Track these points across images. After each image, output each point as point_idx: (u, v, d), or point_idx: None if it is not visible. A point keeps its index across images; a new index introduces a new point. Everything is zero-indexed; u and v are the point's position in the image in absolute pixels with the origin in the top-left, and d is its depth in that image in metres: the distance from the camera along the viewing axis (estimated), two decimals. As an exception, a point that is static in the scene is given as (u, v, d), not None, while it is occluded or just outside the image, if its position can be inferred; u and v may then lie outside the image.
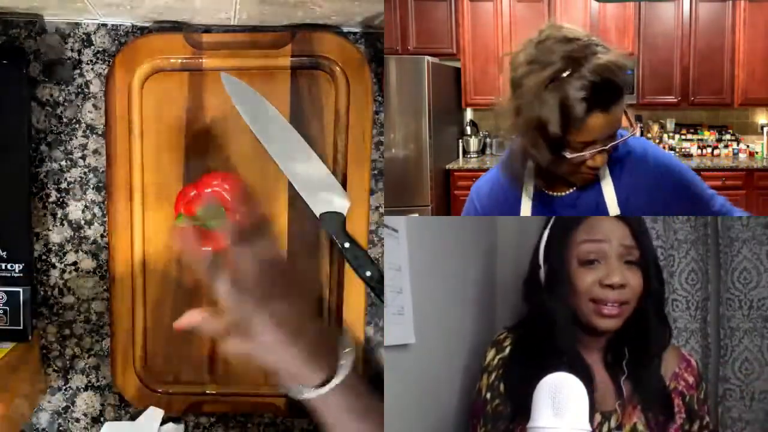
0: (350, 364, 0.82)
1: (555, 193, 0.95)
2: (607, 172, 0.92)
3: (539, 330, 0.95)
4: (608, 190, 0.92)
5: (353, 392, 0.83)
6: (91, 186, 1.06)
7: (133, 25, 1.04)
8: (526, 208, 0.94)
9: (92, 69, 1.04)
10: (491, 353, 0.99)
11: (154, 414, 0.92)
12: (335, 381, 0.80)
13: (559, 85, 0.82)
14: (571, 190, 0.94)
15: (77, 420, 1.10)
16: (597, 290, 0.92)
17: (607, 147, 0.85)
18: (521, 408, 0.88)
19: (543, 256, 0.97)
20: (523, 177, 0.94)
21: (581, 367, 0.89)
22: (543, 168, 0.91)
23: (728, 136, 3.07)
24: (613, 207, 0.92)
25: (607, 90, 0.82)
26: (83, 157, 1.06)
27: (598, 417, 0.92)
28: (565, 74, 0.82)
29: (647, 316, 0.94)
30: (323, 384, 0.79)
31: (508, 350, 0.98)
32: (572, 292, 0.93)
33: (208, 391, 1.06)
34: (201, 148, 1.02)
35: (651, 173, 0.92)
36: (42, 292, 1.07)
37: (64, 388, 1.09)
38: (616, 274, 0.92)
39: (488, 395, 0.97)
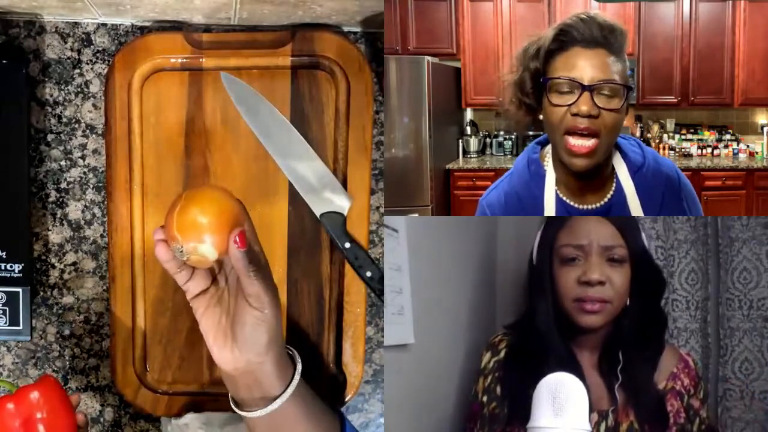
0: (299, 374, 0.86)
1: (581, 206, 0.88)
2: (633, 189, 0.86)
3: (531, 331, 0.95)
4: (633, 202, 0.87)
5: (307, 398, 0.86)
6: (91, 186, 1.06)
7: (133, 25, 1.04)
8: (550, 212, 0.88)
9: (92, 69, 1.04)
10: (487, 356, 0.99)
11: None
12: (290, 389, 0.83)
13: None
14: (597, 205, 0.88)
15: (77, 420, 1.09)
16: (577, 288, 0.92)
17: (587, 84, 0.78)
18: (518, 410, 0.88)
19: (536, 257, 0.97)
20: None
21: (572, 368, 0.89)
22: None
23: (728, 136, 3.07)
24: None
25: (580, 32, 0.80)
26: (83, 157, 1.06)
27: (594, 416, 0.92)
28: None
29: (637, 315, 0.94)
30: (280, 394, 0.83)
31: (503, 352, 0.98)
32: (556, 291, 0.93)
33: (208, 391, 1.06)
34: (201, 147, 1.02)
35: (680, 201, 0.89)
36: (42, 292, 1.07)
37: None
38: (595, 271, 0.91)
39: (484, 398, 0.97)
